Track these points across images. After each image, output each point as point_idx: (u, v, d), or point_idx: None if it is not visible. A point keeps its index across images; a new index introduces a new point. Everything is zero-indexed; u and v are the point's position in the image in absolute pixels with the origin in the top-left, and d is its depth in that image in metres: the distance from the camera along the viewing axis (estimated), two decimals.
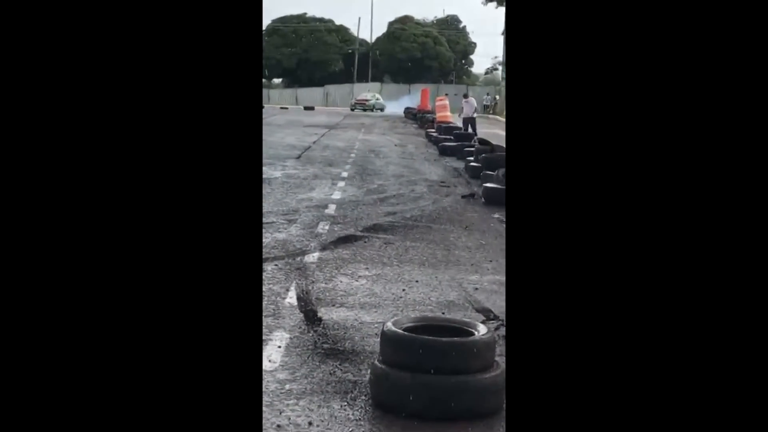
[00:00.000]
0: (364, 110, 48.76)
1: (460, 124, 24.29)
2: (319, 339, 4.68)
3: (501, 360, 3.65)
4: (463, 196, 11.31)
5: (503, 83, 46.39)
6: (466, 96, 26.56)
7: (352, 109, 49.49)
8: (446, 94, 35.95)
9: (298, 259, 6.84)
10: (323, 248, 7.35)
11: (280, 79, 73.36)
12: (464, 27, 73.03)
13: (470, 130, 22.25)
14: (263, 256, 6.82)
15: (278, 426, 3.45)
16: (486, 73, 77.78)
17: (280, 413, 3.58)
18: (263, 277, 6.10)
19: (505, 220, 7.74)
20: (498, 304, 5.48)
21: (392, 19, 71.52)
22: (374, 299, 5.66)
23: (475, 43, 72.65)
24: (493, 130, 26.88)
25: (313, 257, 6.93)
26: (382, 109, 50.34)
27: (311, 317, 5.13)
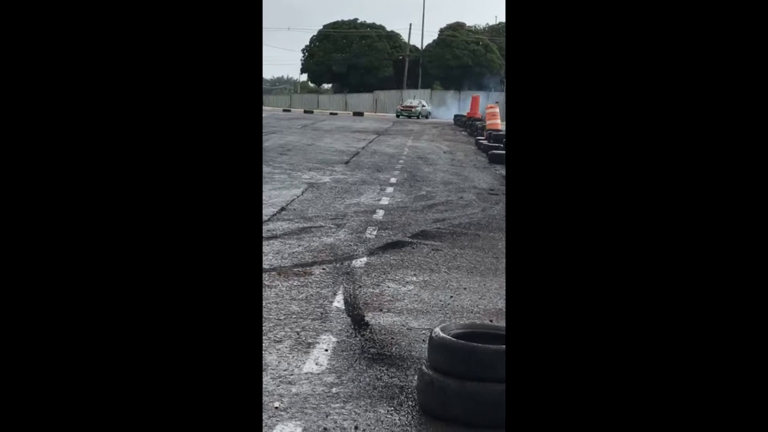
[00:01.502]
0: (409, 117, 48.83)
1: None
2: (366, 343, 4.69)
3: None
4: None
5: None
6: None
7: (398, 116, 49.59)
8: (497, 102, 35.80)
9: (346, 263, 6.86)
10: (371, 253, 7.36)
11: (330, 85, 73.76)
12: None
13: None
14: (311, 260, 6.86)
15: (324, 429, 3.46)
16: None
17: (327, 416, 3.59)
18: (311, 280, 6.14)
19: None
20: None
21: (444, 25, 71.58)
22: (422, 305, 5.64)
23: None
24: None
25: (360, 262, 6.95)
26: (427, 116, 50.35)
27: (358, 321, 5.14)
